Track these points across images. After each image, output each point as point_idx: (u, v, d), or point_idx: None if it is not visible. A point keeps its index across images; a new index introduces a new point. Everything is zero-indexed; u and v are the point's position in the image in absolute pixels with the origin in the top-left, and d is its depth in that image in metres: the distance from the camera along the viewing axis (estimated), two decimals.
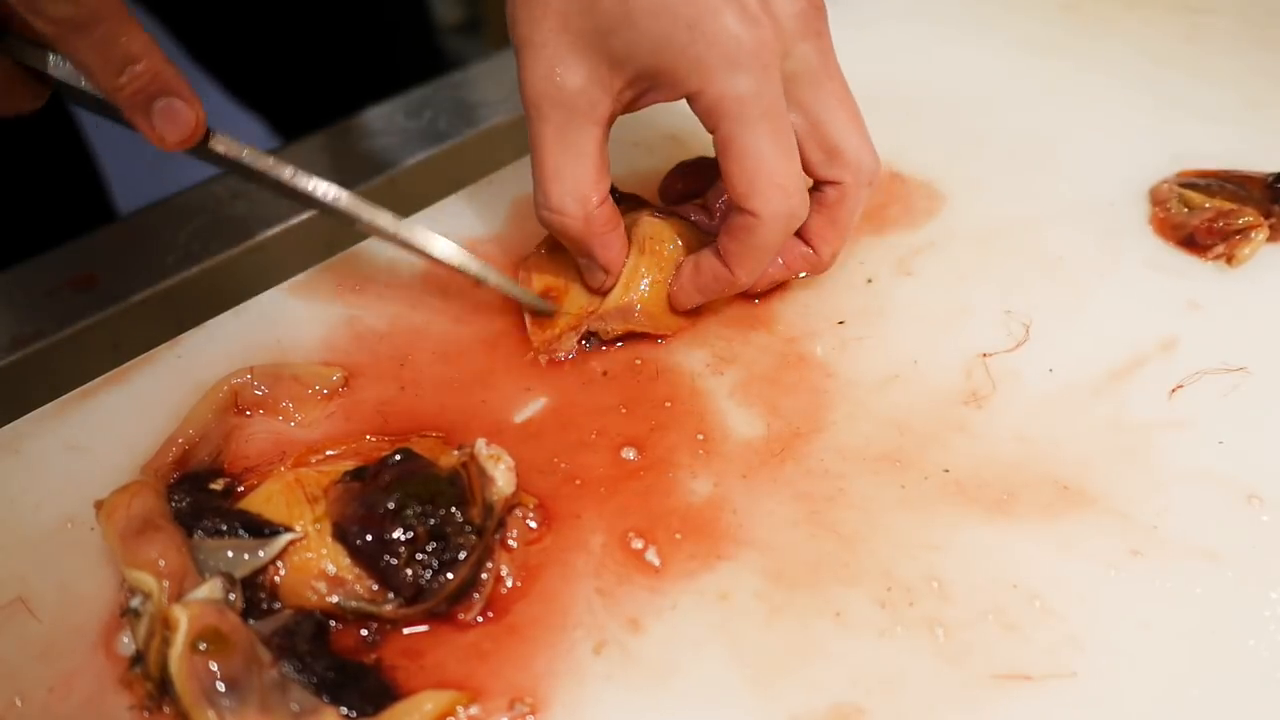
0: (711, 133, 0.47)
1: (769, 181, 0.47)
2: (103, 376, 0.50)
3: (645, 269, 0.51)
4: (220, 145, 0.47)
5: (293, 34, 0.93)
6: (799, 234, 0.51)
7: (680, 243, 0.52)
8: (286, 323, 0.52)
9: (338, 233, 0.56)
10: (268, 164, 0.48)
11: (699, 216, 0.54)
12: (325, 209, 0.49)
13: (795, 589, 0.43)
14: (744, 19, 0.45)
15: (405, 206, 0.58)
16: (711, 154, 0.49)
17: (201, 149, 0.47)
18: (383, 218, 0.49)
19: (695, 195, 0.56)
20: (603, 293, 0.52)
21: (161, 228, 0.63)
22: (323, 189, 0.48)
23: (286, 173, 0.48)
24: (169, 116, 0.45)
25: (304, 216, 0.64)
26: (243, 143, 0.48)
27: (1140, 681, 0.40)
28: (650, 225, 0.52)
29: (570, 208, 0.48)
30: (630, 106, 0.49)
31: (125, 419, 0.48)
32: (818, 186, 0.50)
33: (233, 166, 0.48)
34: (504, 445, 0.44)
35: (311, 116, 0.73)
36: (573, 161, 0.48)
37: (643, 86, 0.47)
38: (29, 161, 0.79)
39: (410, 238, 0.49)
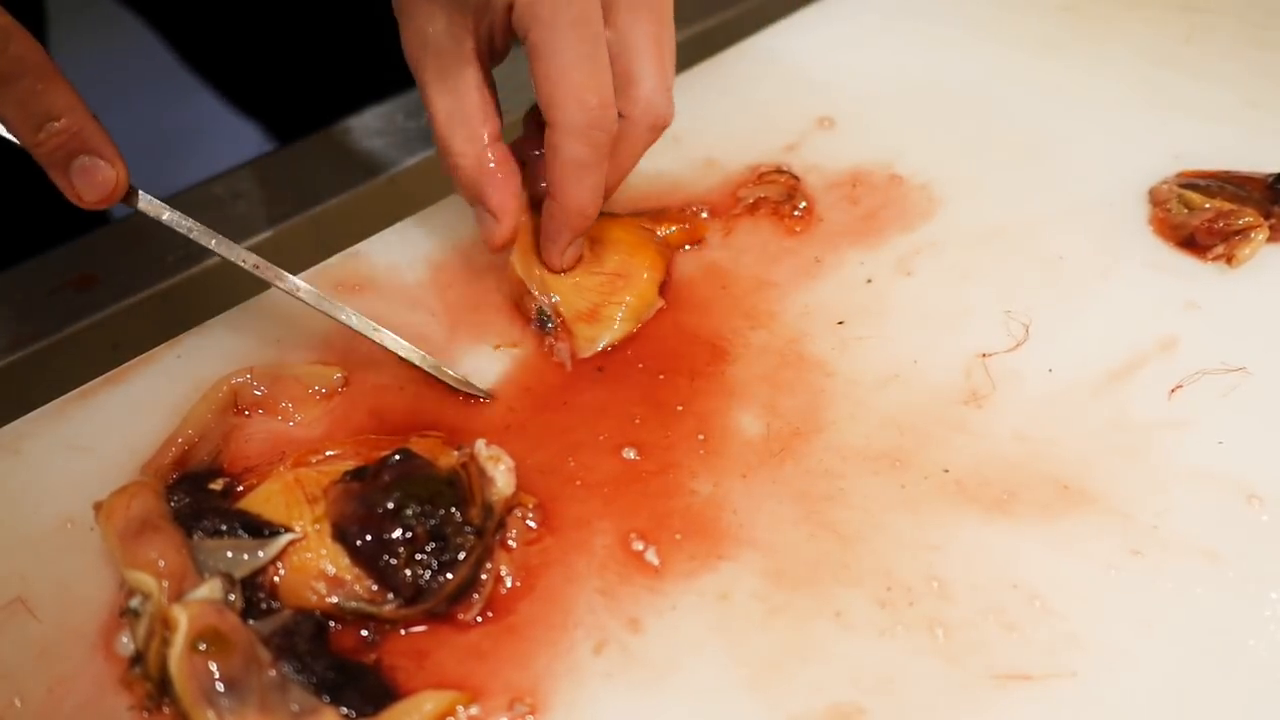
0: (522, 42, 0.47)
1: (567, 91, 0.47)
2: (103, 376, 0.50)
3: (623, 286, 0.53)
4: (145, 205, 0.48)
5: (284, 36, 0.93)
6: None
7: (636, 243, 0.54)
8: (286, 323, 0.52)
9: (338, 233, 0.56)
10: (190, 227, 0.48)
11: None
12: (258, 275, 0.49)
13: (795, 589, 0.43)
14: None
15: (405, 207, 0.58)
16: None
17: (126, 207, 0.47)
18: (324, 303, 0.49)
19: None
20: (495, 246, 0.51)
21: (161, 228, 0.63)
22: (248, 259, 0.48)
23: (212, 242, 0.48)
24: (86, 176, 0.45)
25: (304, 216, 0.64)
26: (165, 204, 0.48)
27: (1140, 681, 0.40)
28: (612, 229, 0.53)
29: (461, 147, 0.49)
30: (493, 41, 0.49)
31: (125, 419, 0.48)
32: None
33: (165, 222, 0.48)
34: (503, 445, 0.44)
35: (306, 119, 0.73)
36: (457, 103, 0.49)
37: (487, 15, 0.48)
38: (29, 161, 0.79)
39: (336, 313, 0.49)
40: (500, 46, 0.50)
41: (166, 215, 0.48)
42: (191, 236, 0.48)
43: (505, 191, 0.50)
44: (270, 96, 0.98)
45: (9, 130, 0.45)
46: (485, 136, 0.49)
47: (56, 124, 0.44)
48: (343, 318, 0.49)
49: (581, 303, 0.52)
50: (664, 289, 0.54)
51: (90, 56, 1.02)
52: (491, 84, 0.50)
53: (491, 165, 0.50)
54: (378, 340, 0.49)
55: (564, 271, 0.52)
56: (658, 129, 0.50)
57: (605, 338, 0.52)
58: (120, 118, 0.52)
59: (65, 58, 0.76)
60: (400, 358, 0.49)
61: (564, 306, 0.52)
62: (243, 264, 0.48)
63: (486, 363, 0.51)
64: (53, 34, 0.81)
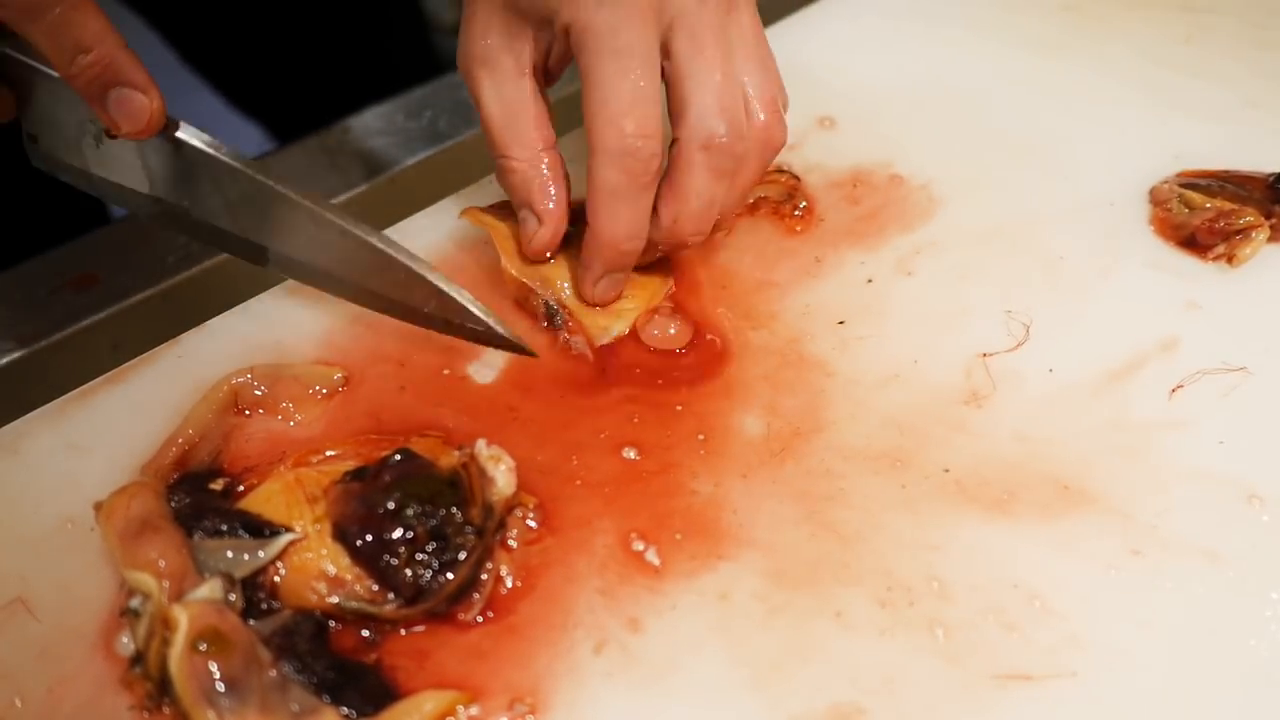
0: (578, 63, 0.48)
1: (605, 117, 0.47)
2: (103, 376, 0.50)
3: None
4: (185, 135, 0.47)
5: (285, 37, 0.93)
6: None
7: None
8: (286, 323, 0.52)
9: None
10: (238, 159, 0.48)
11: None
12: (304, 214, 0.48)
13: (795, 589, 0.43)
14: None
15: (405, 207, 0.58)
16: None
17: (166, 139, 0.47)
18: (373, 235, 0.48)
19: None
20: (534, 251, 0.52)
21: (161, 228, 0.63)
22: (293, 192, 0.48)
23: (259, 174, 0.48)
24: (122, 107, 0.45)
25: None
26: (212, 138, 0.48)
27: (1140, 681, 0.40)
28: None
29: (517, 151, 0.50)
30: (549, 56, 0.50)
31: (125, 419, 0.48)
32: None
33: (203, 162, 0.47)
34: (504, 445, 0.44)
35: (307, 119, 0.73)
36: (512, 110, 0.50)
37: (546, 33, 0.49)
38: (29, 161, 0.79)
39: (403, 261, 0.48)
40: (555, 67, 0.51)
41: (209, 146, 0.47)
42: (236, 165, 0.48)
43: (554, 198, 0.51)
44: (271, 96, 0.98)
45: (48, 64, 0.45)
46: (540, 142, 0.50)
47: (88, 56, 0.44)
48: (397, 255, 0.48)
49: (639, 300, 0.53)
50: (674, 267, 0.55)
51: None
52: (547, 98, 0.51)
53: (544, 170, 0.50)
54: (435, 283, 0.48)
55: (599, 305, 0.52)
56: (711, 149, 0.48)
57: (618, 326, 0.52)
58: None
59: None
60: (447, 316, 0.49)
61: (570, 299, 0.52)
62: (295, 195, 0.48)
63: (487, 362, 0.51)
64: None
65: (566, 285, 0.52)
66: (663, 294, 0.54)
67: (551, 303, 0.52)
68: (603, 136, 0.47)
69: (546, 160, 0.50)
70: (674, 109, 0.49)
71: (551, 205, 0.51)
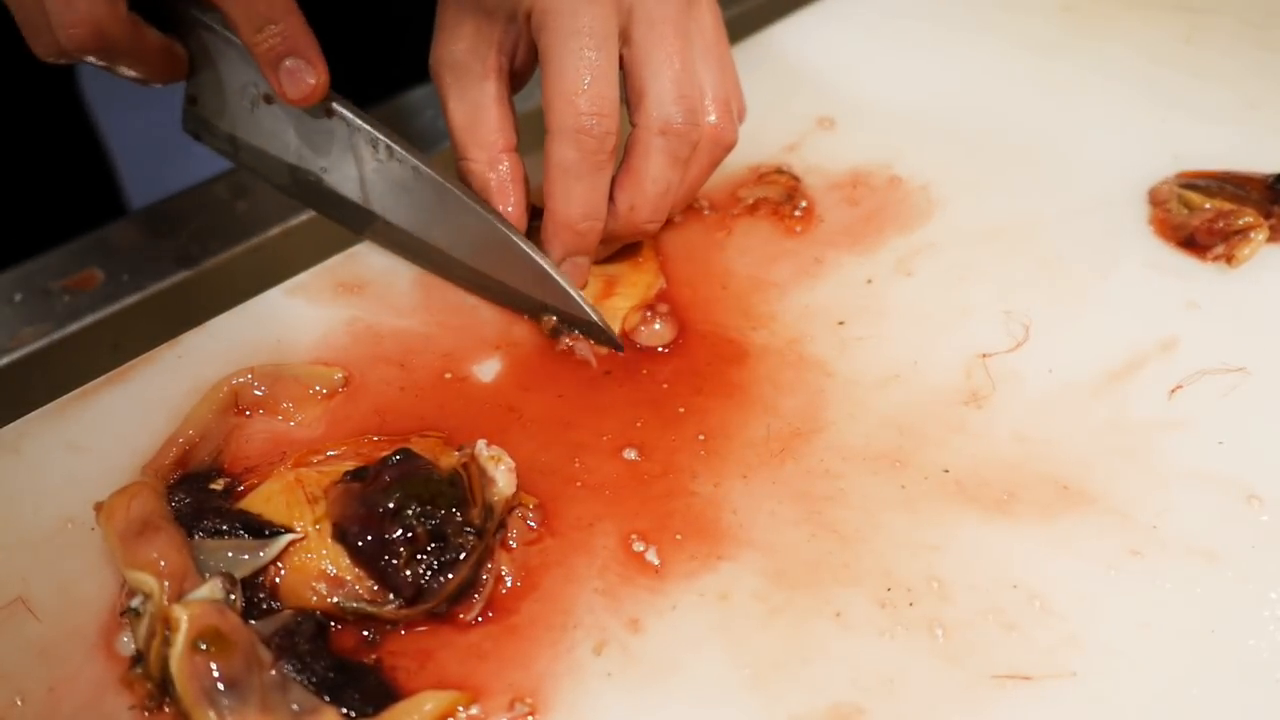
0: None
1: (561, 94, 0.48)
2: (103, 376, 0.50)
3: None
4: (340, 107, 0.51)
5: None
6: None
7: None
8: (286, 323, 0.52)
9: (338, 233, 0.56)
10: (383, 132, 0.51)
11: None
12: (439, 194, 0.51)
13: (795, 589, 0.43)
14: None
15: None
16: None
17: (323, 109, 0.51)
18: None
19: None
20: None
21: (162, 228, 0.63)
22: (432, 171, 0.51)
23: (399, 148, 0.51)
24: (292, 77, 0.49)
25: (304, 217, 0.64)
26: (363, 115, 0.51)
27: (1140, 681, 0.40)
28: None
29: (475, 152, 0.52)
30: (515, 57, 0.52)
31: (125, 419, 0.48)
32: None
33: (350, 133, 0.51)
34: (504, 446, 0.44)
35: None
36: (474, 113, 0.51)
37: (512, 30, 0.50)
38: (41, 155, 0.79)
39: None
40: (521, 69, 0.52)
41: (357, 120, 0.51)
42: (380, 137, 0.51)
43: (509, 199, 0.52)
44: None
45: (232, 27, 0.49)
46: (500, 144, 0.52)
47: (274, 26, 0.47)
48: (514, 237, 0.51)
49: (630, 293, 0.53)
50: (662, 266, 0.55)
51: None
52: (510, 102, 0.53)
53: (502, 170, 0.52)
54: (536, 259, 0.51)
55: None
56: (669, 134, 0.50)
57: (614, 327, 0.52)
58: (138, 107, 0.52)
59: None
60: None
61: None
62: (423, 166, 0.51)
63: (487, 363, 0.51)
64: None
65: None
66: (654, 291, 0.54)
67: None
68: (559, 114, 0.48)
69: (506, 162, 0.52)
70: (632, 96, 0.50)
71: (509, 207, 0.52)
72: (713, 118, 0.51)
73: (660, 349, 0.51)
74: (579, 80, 0.48)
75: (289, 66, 0.48)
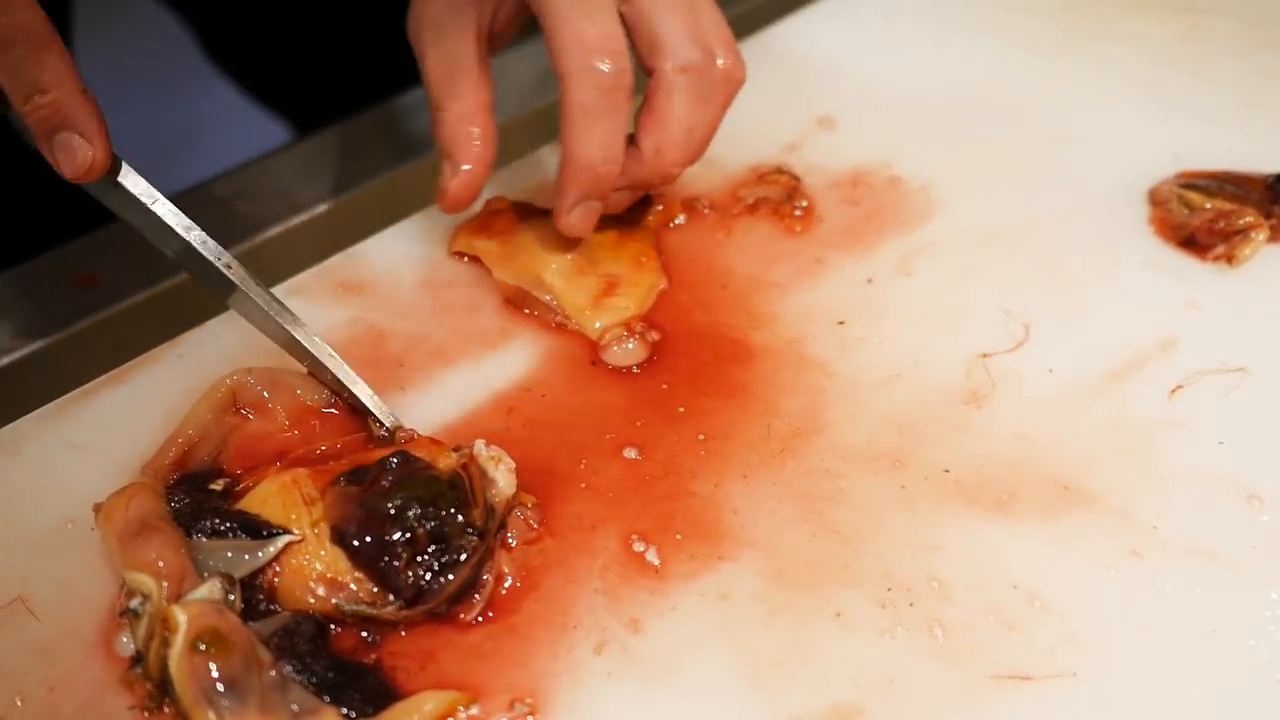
0: (536, 14, 0.48)
1: (569, 37, 0.47)
2: (103, 376, 0.50)
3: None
4: (128, 182, 0.47)
5: (306, 29, 0.92)
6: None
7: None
8: None
9: (338, 233, 0.56)
10: (168, 212, 0.47)
11: None
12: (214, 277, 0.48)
13: (795, 589, 0.43)
14: None
15: (405, 207, 0.58)
16: None
17: (107, 185, 0.47)
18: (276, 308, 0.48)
19: None
20: (442, 200, 0.52)
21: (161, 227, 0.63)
22: (212, 249, 0.47)
23: (192, 234, 0.47)
24: (66, 152, 0.45)
25: (304, 217, 0.64)
26: (149, 187, 0.47)
27: (1140, 681, 0.40)
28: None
29: (448, 104, 0.51)
30: (495, 18, 0.52)
31: (125, 419, 0.48)
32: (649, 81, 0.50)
33: (137, 208, 0.47)
34: (504, 446, 0.44)
35: (328, 111, 0.73)
36: (451, 68, 0.51)
37: None
38: (32, 159, 0.79)
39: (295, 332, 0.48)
40: (502, 28, 0.52)
41: (155, 204, 0.47)
42: (176, 229, 0.47)
43: (474, 155, 0.52)
44: (292, 89, 0.98)
45: (6, 95, 0.45)
46: (474, 101, 0.51)
47: (44, 97, 0.44)
48: (295, 332, 0.48)
49: (581, 296, 0.53)
50: (664, 266, 0.55)
51: (114, 41, 1.02)
52: (489, 63, 0.53)
53: (472, 129, 0.51)
54: (318, 355, 0.48)
55: (574, 235, 0.52)
56: (691, 73, 0.49)
57: (606, 319, 0.52)
58: (139, 105, 0.52)
59: (88, 43, 0.75)
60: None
61: (565, 302, 0.52)
62: (218, 263, 0.47)
63: (487, 363, 0.51)
64: (77, 20, 0.81)
65: (558, 280, 0.53)
66: (655, 292, 0.54)
67: (549, 302, 0.52)
68: (571, 56, 0.47)
69: (479, 119, 0.51)
70: (643, 46, 0.50)
71: (469, 164, 0.52)
72: (722, 59, 0.51)
73: (633, 369, 0.51)
74: (587, 21, 0.47)
75: (62, 141, 0.45)
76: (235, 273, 0.47)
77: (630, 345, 0.52)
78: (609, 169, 0.49)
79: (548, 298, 0.53)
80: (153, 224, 0.47)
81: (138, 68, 0.51)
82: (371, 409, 0.47)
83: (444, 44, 0.52)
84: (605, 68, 0.47)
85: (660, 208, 0.57)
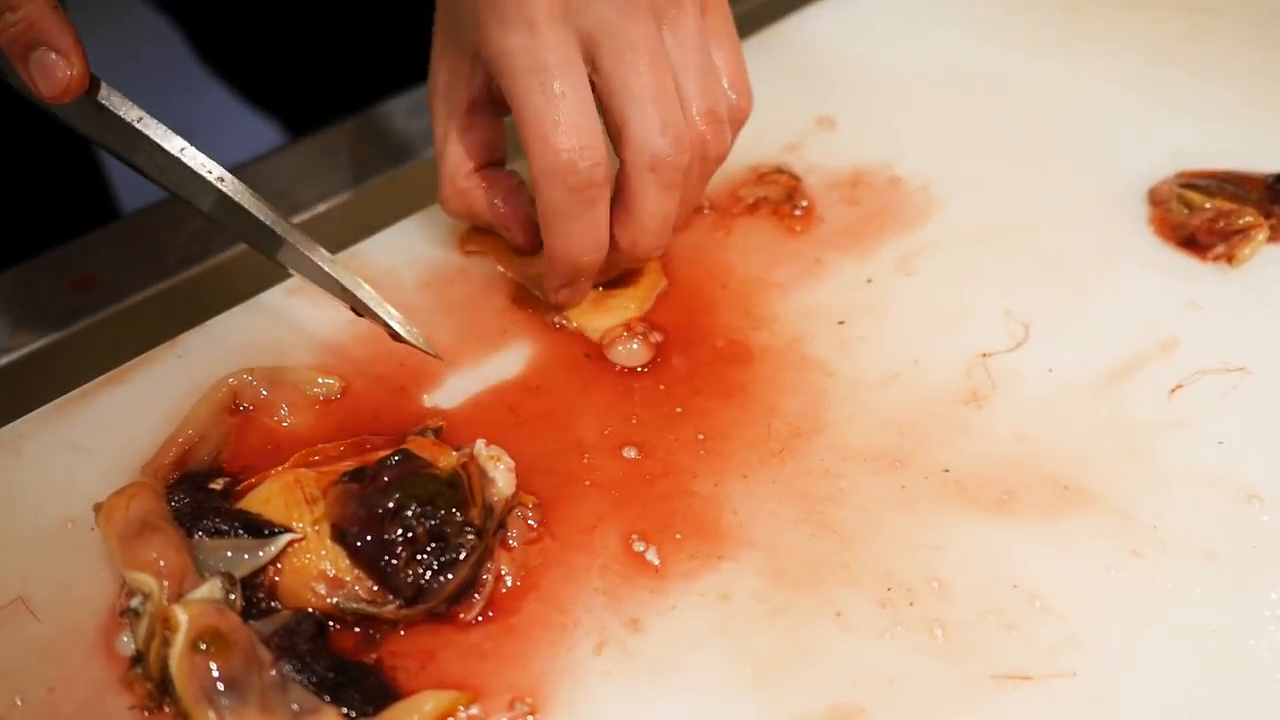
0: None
1: (537, 135, 0.46)
2: (103, 376, 0.50)
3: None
4: (105, 99, 0.46)
5: (299, 31, 0.92)
6: None
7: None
8: (286, 323, 0.52)
9: (338, 233, 0.56)
10: (156, 130, 0.46)
11: None
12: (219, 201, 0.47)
13: (795, 589, 0.43)
14: None
15: (405, 207, 0.58)
16: None
17: (87, 104, 0.46)
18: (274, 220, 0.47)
19: None
20: (524, 252, 0.53)
21: (161, 228, 0.63)
22: (202, 164, 0.46)
23: (178, 149, 0.46)
24: (42, 69, 0.44)
25: (304, 216, 0.64)
26: (132, 104, 0.46)
27: (1140, 681, 0.40)
28: None
29: (444, 190, 0.52)
30: (483, 91, 0.51)
31: (125, 419, 0.48)
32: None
33: (122, 131, 0.46)
34: (504, 445, 0.44)
35: (321, 113, 0.73)
36: (450, 148, 0.52)
37: (479, 66, 0.49)
38: (32, 159, 0.79)
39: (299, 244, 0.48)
40: (499, 95, 0.49)
41: (141, 122, 0.46)
42: (166, 147, 0.46)
43: (502, 214, 0.52)
44: (285, 90, 0.98)
45: None
46: (466, 167, 0.52)
47: (15, 14, 0.43)
48: (307, 251, 0.48)
49: (616, 306, 0.53)
50: (664, 266, 0.55)
51: (102, 43, 1.02)
52: (492, 125, 0.52)
53: (492, 186, 0.52)
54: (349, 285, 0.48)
55: (566, 309, 0.53)
56: (659, 170, 0.47)
57: (607, 322, 0.52)
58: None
59: None
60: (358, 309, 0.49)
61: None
62: (209, 176, 0.46)
63: (487, 362, 0.51)
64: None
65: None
66: (655, 292, 0.54)
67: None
68: (539, 157, 0.46)
69: (473, 180, 0.52)
70: (612, 129, 0.48)
71: (502, 218, 0.52)
72: (701, 128, 0.49)
73: (639, 369, 0.51)
74: (552, 118, 0.45)
75: (37, 58, 0.44)
76: (228, 185, 0.47)
77: (634, 346, 0.51)
78: (591, 259, 0.49)
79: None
80: (141, 147, 0.46)
81: (131, 71, 0.51)
82: (386, 319, 0.48)
83: (447, 123, 0.52)
84: (575, 167, 0.46)
85: None
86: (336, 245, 0.56)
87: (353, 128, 0.70)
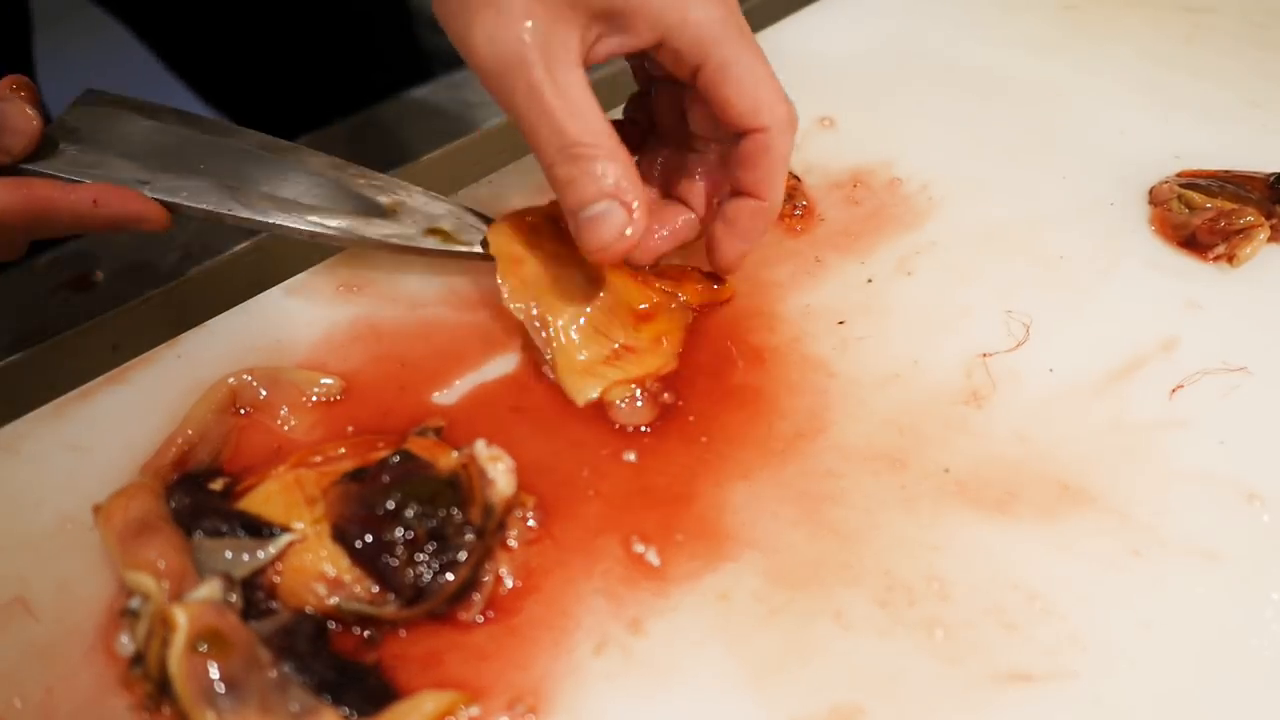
0: (698, 66, 0.46)
1: (770, 91, 0.47)
2: (103, 376, 0.50)
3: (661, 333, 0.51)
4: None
5: (269, 39, 0.92)
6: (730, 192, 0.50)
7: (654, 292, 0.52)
8: (286, 323, 0.52)
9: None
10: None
11: None
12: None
13: (796, 589, 0.43)
14: None
15: None
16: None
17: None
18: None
19: None
20: (620, 247, 0.46)
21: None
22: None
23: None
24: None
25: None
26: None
27: (1140, 681, 0.40)
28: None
29: (594, 138, 0.45)
30: (593, 54, 0.47)
31: (125, 419, 0.48)
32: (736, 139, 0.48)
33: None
34: (504, 446, 0.44)
35: (294, 122, 0.73)
36: (575, 99, 0.45)
37: (602, 28, 0.46)
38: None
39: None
40: (593, 61, 0.47)
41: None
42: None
43: (640, 185, 0.46)
44: (256, 101, 0.98)
45: None
46: (609, 129, 0.46)
47: None
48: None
49: (576, 356, 0.50)
50: (681, 353, 0.51)
51: (74, 62, 1.02)
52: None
53: (625, 150, 0.46)
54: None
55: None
56: (793, 128, 0.49)
57: (593, 389, 0.49)
58: None
59: (49, 63, 0.75)
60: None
61: (559, 358, 0.49)
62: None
63: (487, 362, 0.51)
64: (38, 39, 0.81)
65: (563, 335, 0.50)
66: (658, 370, 0.50)
67: (544, 341, 0.50)
68: (774, 109, 0.47)
69: (623, 150, 0.46)
70: (746, 100, 0.47)
71: (639, 188, 0.46)
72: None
73: (642, 429, 0.48)
74: (772, 75, 0.47)
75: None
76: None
77: (640, 405, 0.48)
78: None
79: (545, 337, 0.50)
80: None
81: (101, 87, 0.52)
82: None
83: (556, 72, 0.45)
84: (795, 115, 0.48)
85: (709, 286, 0.53)
86: (336, 245, 0.56)
87: (352, 128, 0.70)
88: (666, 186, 0.54)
